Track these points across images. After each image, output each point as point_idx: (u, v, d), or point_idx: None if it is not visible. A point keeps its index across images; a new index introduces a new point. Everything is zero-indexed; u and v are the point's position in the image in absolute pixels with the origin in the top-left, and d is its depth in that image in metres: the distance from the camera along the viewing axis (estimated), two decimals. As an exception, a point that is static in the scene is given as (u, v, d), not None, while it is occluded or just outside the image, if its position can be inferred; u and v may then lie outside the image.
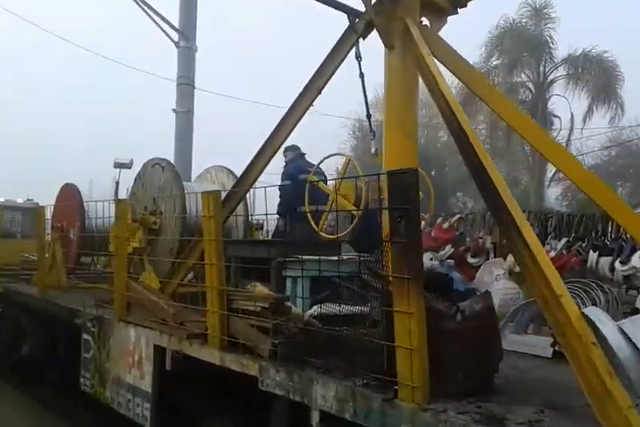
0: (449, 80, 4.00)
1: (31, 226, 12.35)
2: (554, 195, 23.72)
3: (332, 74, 4.10)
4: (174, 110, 11.84)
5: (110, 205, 7.72)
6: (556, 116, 20.89)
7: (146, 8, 11.65)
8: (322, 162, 4.45)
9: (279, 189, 6.19)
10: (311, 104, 4.08)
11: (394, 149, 4.11)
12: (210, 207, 3.40)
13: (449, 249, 5.07)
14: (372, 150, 4.19)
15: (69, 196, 7.20)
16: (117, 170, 11.27)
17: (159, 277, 5.60)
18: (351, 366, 2.69)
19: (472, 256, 5.18)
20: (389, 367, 2.46)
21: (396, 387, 2.40)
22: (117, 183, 11.05)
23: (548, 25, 20.00)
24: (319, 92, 4.08)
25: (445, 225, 5.38)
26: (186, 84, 11.71)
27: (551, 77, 20.53)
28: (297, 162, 6.57)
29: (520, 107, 19.62)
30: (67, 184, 7.38)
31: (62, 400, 6.01)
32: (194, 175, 12.64)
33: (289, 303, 3.29)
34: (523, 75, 20.35)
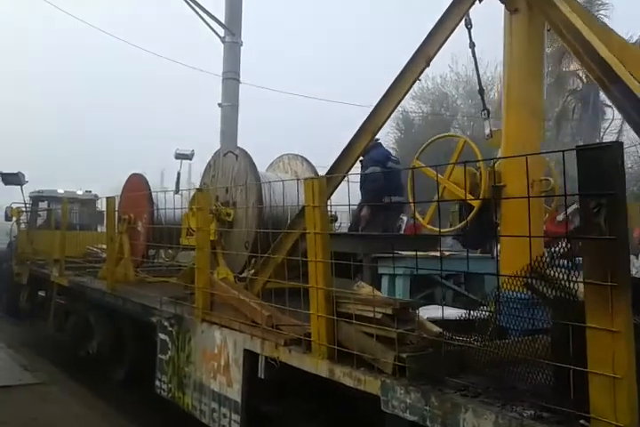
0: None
1: (90, 218, 12.41)
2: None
3: (443, 42, 3.57)
4: (220, 104, 11.88)
5: (176, 197, 7.56)
6: (608, 105, 19.77)
7: (192, 4, 11.71)
8: (428, 145, 3.92)
9: (364, 177, 5.72)
10: (418, 77, 3.57)
11: (516, 127, 3.56)
12: (315, 195, 2.93)
13: (564, 246, 4.42)
14: (487, 131, 3.65)
15: (137, 186, 6.93)
16: (179, 161, 11.01)
17: (233, 273, 5.26)
18: (511, 390, 2.19)
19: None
20: (572, 395, 1.94)
21: (582, 422, 1.89)
22: (179, 174, 10.81)
23: (600, 11, 18.89)
24: (428, 64, 3.57)
25: (560, 217, 4.77)
26: (231, 79, 11.76)
27: None
28: (379, 148, 6.08)
29: (570, 96, 18.80)
30: (134, 174, 7.12)
31: (130, 400, 5.74)
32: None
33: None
34: (574, 63, 19.26)
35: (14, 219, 10.65)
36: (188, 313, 4.22)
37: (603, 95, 19.50)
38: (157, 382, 4.53)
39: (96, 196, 12.87)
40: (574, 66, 19.05)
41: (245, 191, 5.58)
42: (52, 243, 8.58)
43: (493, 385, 2.33)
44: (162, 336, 4.52)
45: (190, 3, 11.69)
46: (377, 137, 6.22)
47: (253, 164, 5.67)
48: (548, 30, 3.57)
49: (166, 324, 4.46)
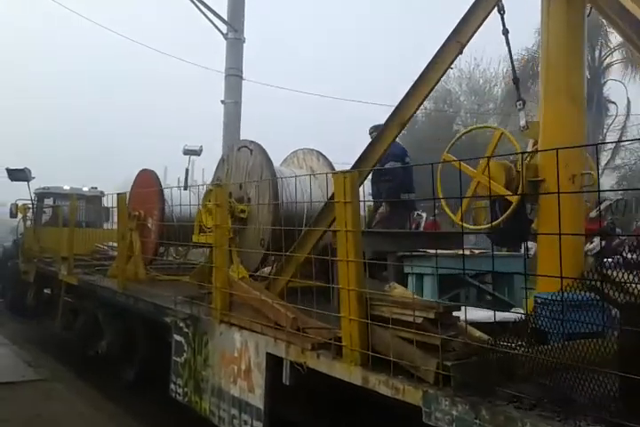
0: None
1: (96, 215, 12.23)
2: (608, 183, 22.23)
3: (477, 29, 3.37)
4: (223, 101, 11.77)
5: (187, 193, 7.37)
6: (611, 101, 19.59)
7: (195, 1, 11.60)
8: (461, 137, 3.72)
9: (380, 173, 5.53)
10: (451, 64, 3.38)
11: (554, 117, 3.36)
12: (346, 191, 2.74)
13: (597, 244, 4.26)
14: (522, 122, 3.45)
15: (147, 182, 6.75)
16: (187, 157, 10.82)
17: (248, 271, 5.09)
18: (570, 402, 2.00)
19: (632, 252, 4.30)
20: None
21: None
22: (187, 170, 10.62)
23: None
24: (460, 51, 3.37)
25: (592, 214, 4.57)
26: (234, 76, 11.68)
27: (607, 62, 19.61)
28: (396, 143, 5.87)
29: None
30: (144, 170, 6.94)
31: (140, 401, 5.59)
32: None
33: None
34: None
35: (20, 216, 10.51)
36: (205, 314, 4.05)
37: (606, 92, 19.39)
38: (172, 386, 4.36)
39: (102, 192, 12.70)
40: None
41: (261, 187, 5.39)
42: (58, 240, 8.42)
43: (547, 396, 2.14)
44: (177, 338, 4.34)
45: (194, 0, 11.61)
46: None
47: (269, 158, 5.48)
48: (588, 16, 3.37)
49: (182, 325, 4.28)
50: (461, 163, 3.24)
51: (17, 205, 12.03)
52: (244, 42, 12.00)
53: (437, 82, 3.43)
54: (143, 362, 5.88)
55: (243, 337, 3.56)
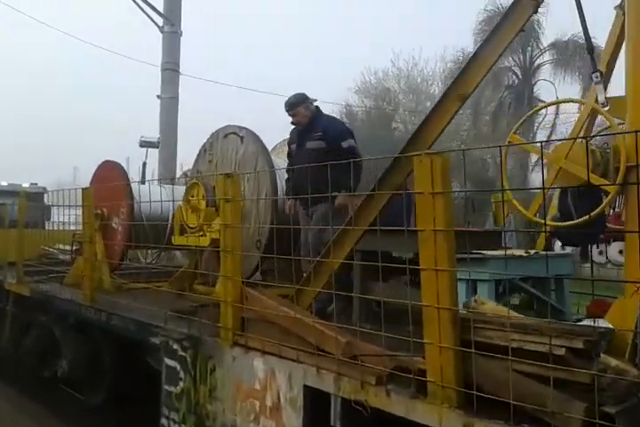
0: None
1: (37, 213, 10.95)
2: (537, 180, 22.83)
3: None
4: (159, 96, 11.49)
5: (157, 189, 6.49)
6: (541, 101, 20.21)
7: None
8: (533, 114, 3.12)
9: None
10: (523, 27, 2.78)
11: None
12: (435, 179, 2.09)
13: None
14: (600, 98, 2.89)
15: (111, 176, 5.83)
16: (144, 150, 9.84)
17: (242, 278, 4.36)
18: None
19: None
20: None
21: None
22: (145, 164, 9.65)
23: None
24: (535, 10, 2.77)
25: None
26: (171, 70, 11.42)
27: (537, 62, 20.10)
28: (333, 117, 5.07)
29: (506, 91, 19.31)
30: (107, 162, 6.01)
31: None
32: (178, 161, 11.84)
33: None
34: (509, 59, 19.87)
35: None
36: (210, 334, 3.29)
37: (536, 90, 19.94)
38: (164, 421, 3.56)
39: (44, 189, 11.50)
40: (508, 62, 19.62)
41: (255, 180, 4.65)
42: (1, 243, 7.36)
43: None
44: (169, 362, 3.55)
45: None
46: None
47: (264, 147, 4.76)
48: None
49: (176, 347, 3.50)
50: (534, 146, 2.64)
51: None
52: (180, 35, 11.74)
53: (506, 47, 2.82)
54: (113, 384, 5.03)
55: (267, 365, 2.84)
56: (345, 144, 4.26)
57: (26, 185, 11.12)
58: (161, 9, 11.49)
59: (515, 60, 19.96)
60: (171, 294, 4.67)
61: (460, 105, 2.86)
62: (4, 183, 10.68)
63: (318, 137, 4.30)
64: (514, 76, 20.15)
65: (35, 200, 10.83)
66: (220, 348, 3.15)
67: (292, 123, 4.46)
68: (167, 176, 10.39)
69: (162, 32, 11.54)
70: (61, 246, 8.33)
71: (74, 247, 7.80)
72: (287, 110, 4.42)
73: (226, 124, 5.12)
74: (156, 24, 11.57)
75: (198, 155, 5.40)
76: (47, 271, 6.26)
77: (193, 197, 4.90)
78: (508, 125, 19.56)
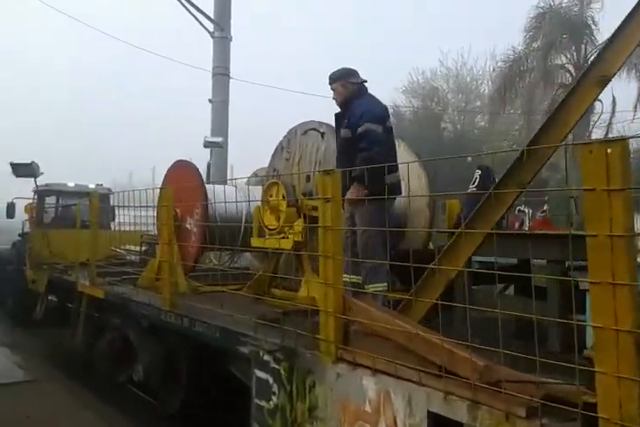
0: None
1: (104, 214, 11.02)
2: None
3: None
4: (210, 100, 11.74)
5: (231, 189, 6.31)
6: (597, 99, 18.88)
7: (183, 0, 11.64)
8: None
9: (356, 138, 3.77)
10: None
11: None
12: (612, 171, 1.72)
13: None
14: None
15: (184, 176, 5.67)
16: (208, 150, 9.76)
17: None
18: None
19: None
20: None
21: None
22: (209, 165, 9.57)
23: (592, 5, 18.30)
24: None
25: None
26: (221, 75, 11.70)
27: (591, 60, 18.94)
28: (374, 100, 4.01)
29: (560, 90, 18.17)
30: (180, 162, 5.86)
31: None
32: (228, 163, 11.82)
33: None
34: (563, 57, 19.05)
35: (27, 216, 9.40)
36: (307, 346, 3.01)
37: None
38: (255, 437, 3.32)
39: (109, 190, 11.58)
40: (562, 60, 18.82)
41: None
42: (71, 244, 7.37)
43: None
44: (260, 374, 3.30)
45: None
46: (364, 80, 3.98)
47: (349, 143, 4.44)
48: None
49: (267, 358, 3.24)
50: None
51: (14, 203, 10.92)
52: (230, 40, 12.00)
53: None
54: (189, 391, 4.85)
55: (380, 385, 2.53)
56: (361, 129, 3.65)
57: (92, 186, 11.22)
58: (211, 15, 11.83)
59: (568, 58, 19.09)
60: (248, 298, 4.45)
61: (600, 90, 2.47)
62: (71, 184, 10.78)
63: (346, 124, 3.83)
64: (567, 74, 19.16)
65: (100, 201, 10.94)
66: (321, 362, 2.87)
67: (334, 99, 4.04)
68: (219, 178, 10.34)
69: (212, 37, 11.84)
70: (129, 247, 8.33)
71: (142, 248, 7.80)
72: (329, 84, 4.00)
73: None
74: (206, 29, 11.91)
75: (274, 153, 5.16)
76: (119, 273, 6.19)
77: (272, 196, 4.66)
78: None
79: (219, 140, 9.85)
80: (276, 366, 3.17)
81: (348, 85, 3.89)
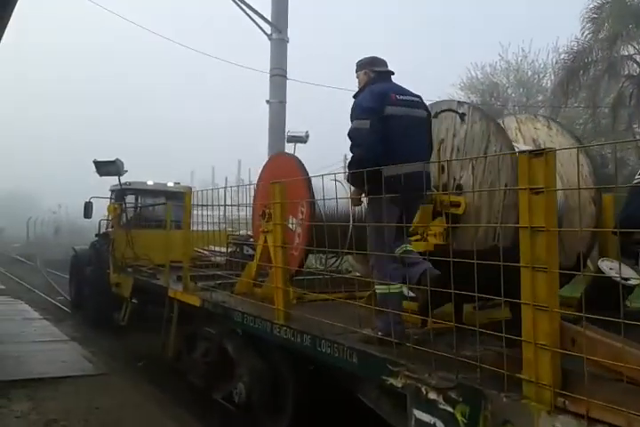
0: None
1: (180, 213, 10.64)
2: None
3: None
4: (268, 101, 11.98)
5: (333, 184, 5.66)
6: None
7: (239, 2, 11.84)
8: None
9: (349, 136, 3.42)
10: None
11: None
12: None
13: None
14: None
15: (285, 170, 5.06)
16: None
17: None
18: None
19: None
20: None
21: None
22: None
23: None
24: None
25: None
26: (279, 76, 11.86)
27: None
28: (374, 87, 3.51)
29: (627, 82, 16.95)
30: (279, 154, 5.28)
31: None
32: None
33: None
34: (630, 47, 17.46)
35: (109, 217, 9.12)
36: (495, 386, 2.28)
37: None
38: None
39: (189, 188, 11.20)
40: (627, 50, 17.35)
41: (488, 168, 3.59)
42: (155, 245, 6.96)
43: None
44: (423, 417, 2.59)
45: (237, 1, 11.86)
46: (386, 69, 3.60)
47: (498, 125, 3.67)
48: None
49: (434, 397, 2.53)
50: None
51: (91, 203, 10.70)
52: (287, 42, 12.14)
53: None
54: (297, 414, 4.23)
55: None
56: (348, 131, 3.40)
57: (170, 184, 10.91)
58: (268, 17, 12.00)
59: (635, 48, 17.61)
60: (365, 310, 3.75)
61: None
62: (150, 182, 10.48)
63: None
64: (634, 65, 17.73)
65: (179, 200, 10.57)
66: (529, 412, 2.12)
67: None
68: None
69: (270, 39, 11.96)
70: (213, 248, 7.85)
71: (229, 249, 7.28)
72: (355, 71, 3.77)
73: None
74: (264, 31, 12.03)
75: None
76: (207, 276, 5.67)
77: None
78: (630, 117, 17.30)
79: (302, 134, 9.22)
80: (449, 409, 2.45)
81: (370, 74, 3.64)
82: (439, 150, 3.92)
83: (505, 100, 22.99)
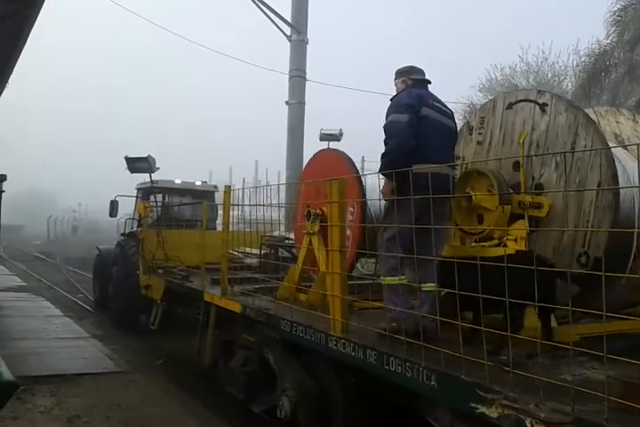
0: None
1: (211, 213, 10.27)
2: None
3: None
4: (287, 102, 12.04)
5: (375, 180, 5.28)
6: None
7: (259, 3, 11.95)
8: None
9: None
10: None
11: None
12: None
13: None
14: None
15: (332, 167, 4.69)
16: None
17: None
18: None
19: None
20: None
21: None
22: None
23: None
24: None
25: None
26: (298, 77, 11.94)
27: None
28: (411, 91, 3.58)
29: None
30: (327, 150, 4.91)
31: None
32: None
33: None
34: None
35: (137, 216, 8.83)
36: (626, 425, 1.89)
37: None
38: None
39: (215, 187, 10.90)
40: None
41: (576, 165, 3.19)
42: (187, 246, 6.65)
43: None
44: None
45: (258, 3, 11.96)
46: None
47: (588, 117, 3.26)
48: None
49: (540, 432, 2.14)
50: None
51: (117, 201, 10.44)
52: (307, 43, 12.20)
53: None
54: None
55: None
56: (384, 124, 3.48)
57: (198, 183, 10.62)
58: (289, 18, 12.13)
59: None
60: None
61: None
62: (178, 181, 10.20)
63: None
64: None
65: (206, 199, 10.24)
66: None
67: None
68: (296, 180, 9.58)
69: (290, 41, 12.04)
70: (246, 249, 7.52)
71: (263, 251, 6.94)
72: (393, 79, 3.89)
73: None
74: (283, 33, 12.09)
75: (459, 136, 4.05)
76: (243, 279, 5.33)
77: (468, 191, 3.56)
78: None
79: (335, 131, 8.84)
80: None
81: (407, 81, 3.71)
82: (512, 144, 3.53)
83: (524, 103, 22.81)
